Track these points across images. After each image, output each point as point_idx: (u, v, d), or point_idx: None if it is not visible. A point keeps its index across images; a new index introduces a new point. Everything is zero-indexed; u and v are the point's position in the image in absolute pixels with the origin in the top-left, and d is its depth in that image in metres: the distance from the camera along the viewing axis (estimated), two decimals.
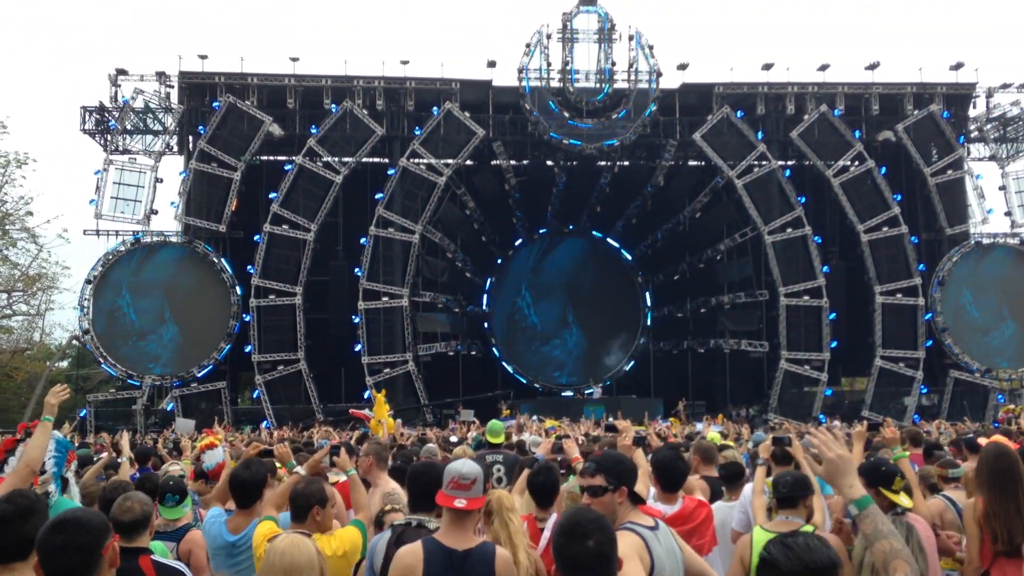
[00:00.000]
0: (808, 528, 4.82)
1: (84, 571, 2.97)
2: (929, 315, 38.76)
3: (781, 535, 2.65)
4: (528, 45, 38.34)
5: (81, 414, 33.59)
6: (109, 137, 37.76)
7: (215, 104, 37.45)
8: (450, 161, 37.91)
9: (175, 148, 38.77)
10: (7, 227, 37.38)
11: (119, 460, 7.42)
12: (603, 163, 40.43)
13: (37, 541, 3.02)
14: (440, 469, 4.84)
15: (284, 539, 3.56)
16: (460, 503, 4.01)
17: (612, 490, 3.90)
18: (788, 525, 4.90)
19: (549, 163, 40.73)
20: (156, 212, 37.43)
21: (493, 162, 39.95)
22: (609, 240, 46.05)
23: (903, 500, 4.67)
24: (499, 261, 45.34)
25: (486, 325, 44.44)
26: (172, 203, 37.40)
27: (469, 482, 4.05)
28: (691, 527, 5.21)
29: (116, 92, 37.90)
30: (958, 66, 40.17)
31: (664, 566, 3.80)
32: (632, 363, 45.02)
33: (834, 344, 38.09)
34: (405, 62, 38.25)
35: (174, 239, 38.04)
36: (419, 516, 4.51)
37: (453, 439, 15.15)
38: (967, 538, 5.34)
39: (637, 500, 4.02)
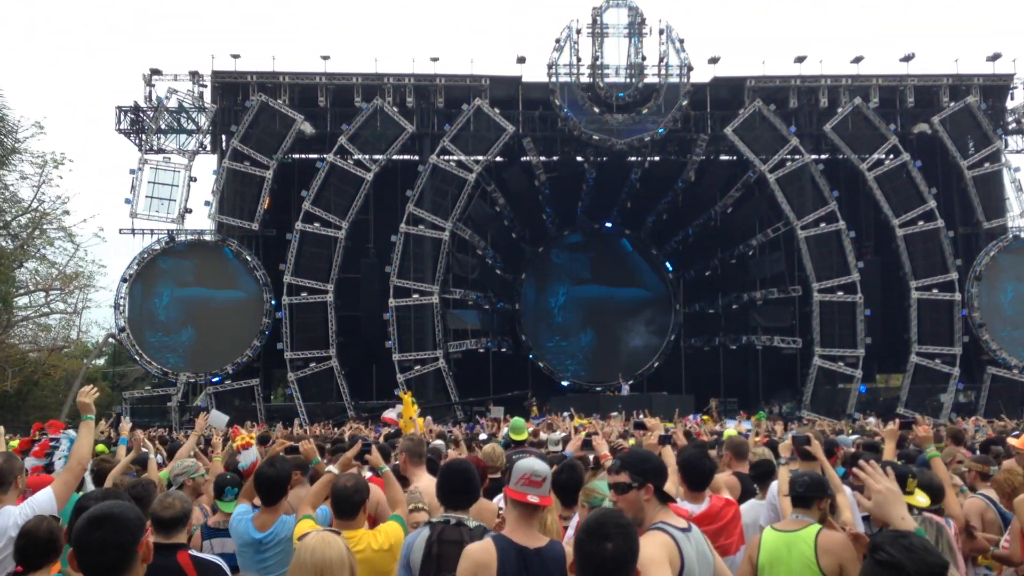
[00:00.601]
0: (816, 528, 4.74)
1: (120, 568, 2.98)
2: (965, 311, 38.16)
3: (890, 534, 2.60)
4: (558, 40, 38.27)
5: (118, 411, 34.10)
6: (144, 137, 38.25)
7: (248, 103, 37.79)
8: (480, 158, 37.96)
9: (208, 147, 39.16)
10: (44, 226, 38.11)
11: (148, 456, 7.52)
12: (633, 159, 40.26)
13: (73, 535, 3.04)
14: (472, 467, 4.87)
15: (315, 536, 3.59)
16: (533, 498, 4.00)
17: (637, 487, 3.87)
18: (799, 524, 4.81)
19: (579, 159, 40.63)
20: (190, 211, 37.89)
21: (523, 158, 39.91)
22: (639, 236, 45.81)
23: (919, 500, 4.60)
24: (529, 258, 45.31)
25: (516, 322, 44.45)
26: (206, 202, 37.83)
27: (540, 479, 4.04)
28: (719, 526, 5.18)
29: (151, 92, 38.41)
30: (995, 57, 39.45)
31: (694, 570, 3.75)
32: (663, 360, 44.82)
33: (869, 340, 37.62)
34: (435, 59, 38.42)
35: (208, 237, 38.45)
36: (457, 514, 4.52)
37: (483, 436, 15.18)
38: (1022, 531, 5.23)
39: (666, 499, 3.98)
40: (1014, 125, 40.88)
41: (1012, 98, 40.77)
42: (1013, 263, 38.91)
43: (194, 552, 4.40)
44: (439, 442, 9.99)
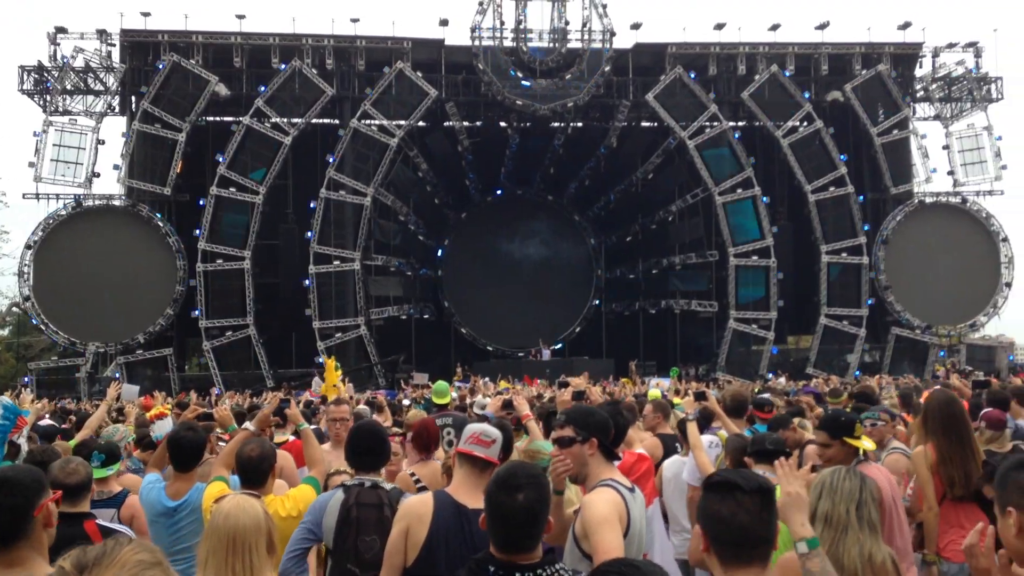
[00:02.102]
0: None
1: (14, 532, 2.87)
2: (873, 274, 39.55)
3: (722, 471, 2.71)
4: (481, 3, 37.80)
5: (24, 382, 32.90)
6: (48, 98, 36.73)
7: (159, 64, 36.46)
8: (402, 122, 37.45)
9: (117, 109, 37.77)
10: None
11: (56, 429, 7.26)
12: (556, 124, 40.27)
13: None
14: (382, 429, 4.84)
15: (230, 501, 3.48)
16: (480, 452, 3.95)
17: (581, 441, 3.84)
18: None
19: (502, 124, 40.45)
20: (98, 175, 36.63)
21: (446, 123, 39.55)
22: (562, 202, 45.99)
23: (866, 444, 4.76)
24: (452, 224, 45.10)
25: (439, 289, 44.32)
26: (115, 166, 36.52)
27: (490, 440, 3.99)
28: (631, 480, 5.25)
29: (55, 51, 36.87)
30: (905, 25, 40.60)
31: (637, 529, 3.77)
32: (584, 324, 45.31)
33: (781, 303, 38.69)
34: (355, 20, 37.58)
35: (117, 203, 37.20)
36: (369, 476, 4.46)
37: (406, 402, 15.15)
38: (921, 484, 5.37)
39: (612, 457, 3.97)
40: (922, 93, 42.19)
41: (920, 66, 42.10)
42: (918, 227, 40.36)
43: (101, 521, 4.26)
44: (364, 407, 9.93)
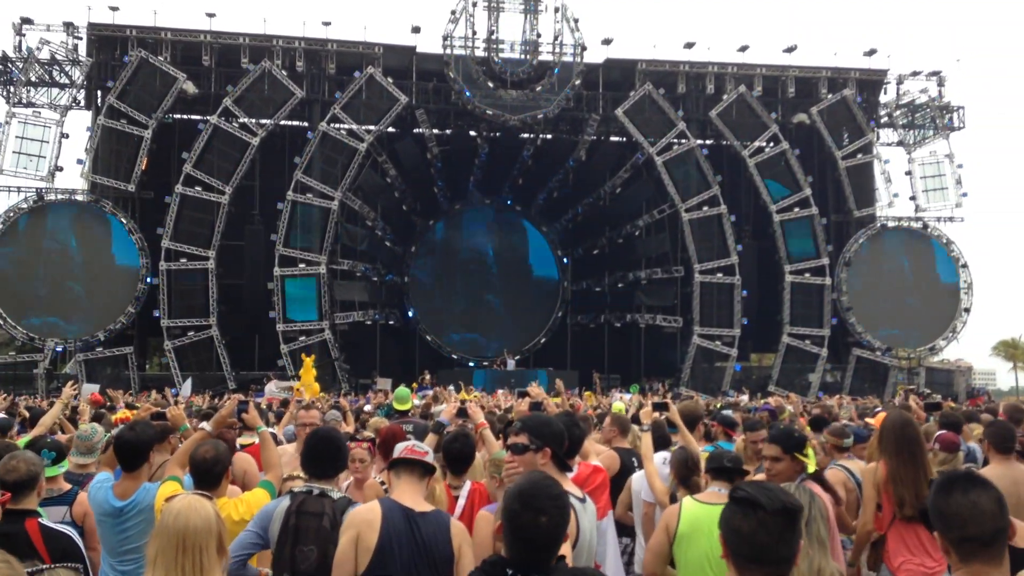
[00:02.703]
0: None
1: None
2: (835, 295, 40.08)
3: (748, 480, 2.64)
4: (453, 12, 37.93)
5: None
6: (12, 89, 36.19)
7: (126, 59, 36.07)
8: (372, 127, 37.36)
9: (83, 103, 37.28)
10: None
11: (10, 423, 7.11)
12: (526, 135, 40.39)
13: None
14: (340, 435, 4.79)
15: (181, 500, 3.41)
16: (415, 456, 4.01)
17: (535, 450, 3.84)
18: (722, 498, 4.57)
19: (472, 133, 40.49)
20: (61, 169, 36.21)
21: (415, 130, 39.49)
22: (530, 213, 46.09)
23: (811, 463, 4.86)
24: (419, 231, 44.99)
25: (405, 295, 44.15)
26: (79, 160, 36.02)
27: (424, 451, 4.07)
28: (585, 491, 5.24)
29: (21, 42, 36.38)
30: (871, 52, 41.38)
31: (586, 539, 3.76)
32: (549, 336, 45.36)
33: (745, 321, 39.05)
34: (327, 23, 37.53)
35: (80, 197, 36.65)
36: (321, 484, 4.39)
37: (368, 408, 15.03)
38: (864, 499, 5.43)
39: (564, 468, 3.96)
40: (886, 118, 42.94)
41: (885, 92, 42.92)
42: (880, 250, 41.01)
43: (45, 521, 4.16)
44: (336, 412, 9.84)
